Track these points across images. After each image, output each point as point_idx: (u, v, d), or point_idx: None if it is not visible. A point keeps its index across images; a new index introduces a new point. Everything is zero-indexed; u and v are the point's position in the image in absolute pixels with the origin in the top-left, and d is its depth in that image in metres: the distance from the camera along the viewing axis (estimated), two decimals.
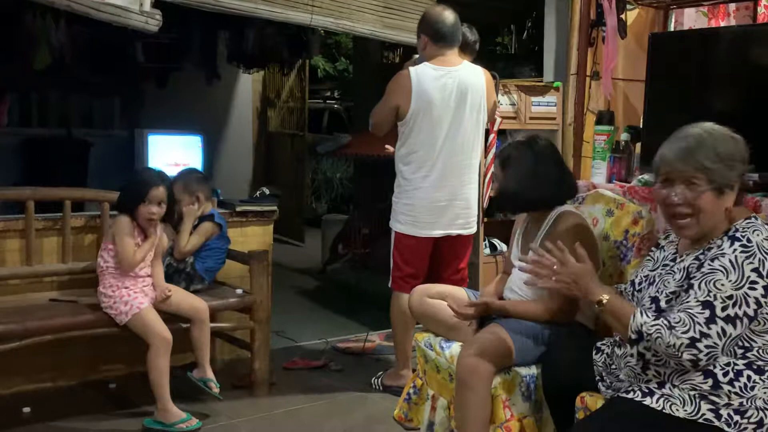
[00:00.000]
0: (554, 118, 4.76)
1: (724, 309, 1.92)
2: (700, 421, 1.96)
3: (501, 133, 4.68)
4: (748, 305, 1.92)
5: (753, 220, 2.05)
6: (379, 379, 3.87)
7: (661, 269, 2.18)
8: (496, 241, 4.79)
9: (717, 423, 1.96)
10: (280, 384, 3.86)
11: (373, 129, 3.81)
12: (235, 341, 3.96)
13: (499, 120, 4.56)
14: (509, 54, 7.84)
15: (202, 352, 3.44)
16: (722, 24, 3.80)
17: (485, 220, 4.69)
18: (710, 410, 1.96)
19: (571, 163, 3.96)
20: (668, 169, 2.09)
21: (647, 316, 2.00)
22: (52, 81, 6.43)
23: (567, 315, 2.71)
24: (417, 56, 3.79)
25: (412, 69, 3.63)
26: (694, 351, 1.91)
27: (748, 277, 1.93)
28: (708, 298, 1.93)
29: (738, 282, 1.93)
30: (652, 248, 2.35)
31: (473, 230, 3.86)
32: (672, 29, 3.96)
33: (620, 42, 3.68)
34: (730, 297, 1.92)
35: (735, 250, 1.96)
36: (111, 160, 6.63)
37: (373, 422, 3.44)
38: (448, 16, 3.64)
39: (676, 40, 3.57)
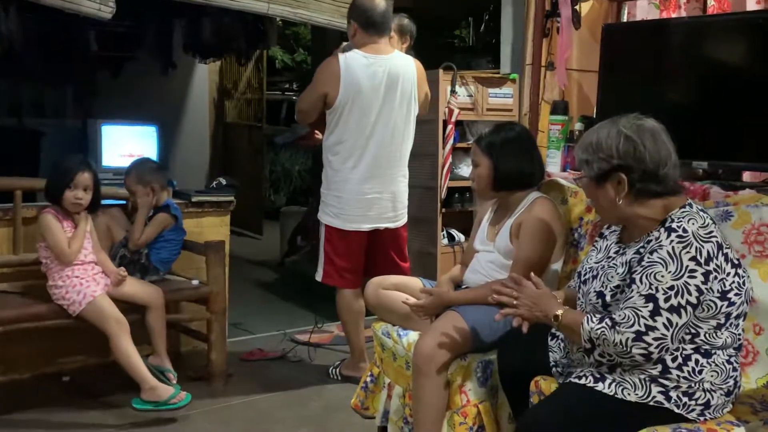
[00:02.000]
0: (511, 110, 4.80)
1: (667, 300, 1.94)
2: (651, 404, 2.00)
3: (458, 124, 4.71)
4: (690, 293, 1.95)
5: (688, 208, 2.06)
6: (338, 369, 3.87)
7: (605, 262, 2.21)
8: (454, 232, 4.83)
9: (667, 405, 2.00)
10: (238, 375, 3.84)
11: (299, 117, 3.73)
12: (192, 333, 3.93)
13: (456, 111, 4.60)
14: (467, 46, 7.88)
15: (159, 339, 3.41)
16: (674, 16, 3.87)
17: (443, 210, 4.72)
18: (660, 392, 2.01)
19: None
20: None
21: (593, 321, 2.03)
22: (3, 70, 6.28)
23: None
24: (346, 44, 3.68)
25: (341, 56, 3.53)
26: (643, 345, 1.94)
27: (687, 266, 1.95)
28: (650, 291, 1.96)
29: (677, 272, 1.95)
30: (597, 238, 2.38)
31: (402, 223, 3.77)
32: (625, 20, 4.02)
33: (574, 33, 3.71)
34: (671, 288, 1.95)
35: (672, 241, 1.99)
36: (63, 150, 6.46)
37: (331, 411, 3.45)
38: (380, 3, 3.55)
39: (629, 32, 3.61)
